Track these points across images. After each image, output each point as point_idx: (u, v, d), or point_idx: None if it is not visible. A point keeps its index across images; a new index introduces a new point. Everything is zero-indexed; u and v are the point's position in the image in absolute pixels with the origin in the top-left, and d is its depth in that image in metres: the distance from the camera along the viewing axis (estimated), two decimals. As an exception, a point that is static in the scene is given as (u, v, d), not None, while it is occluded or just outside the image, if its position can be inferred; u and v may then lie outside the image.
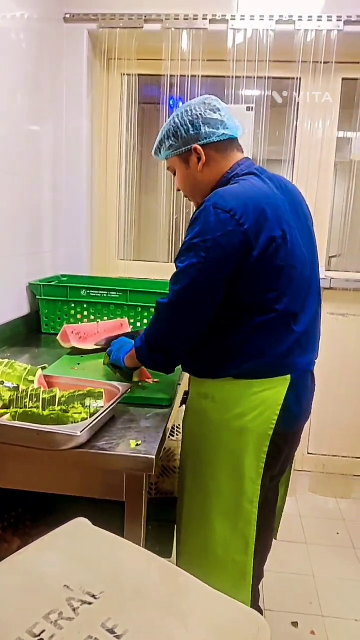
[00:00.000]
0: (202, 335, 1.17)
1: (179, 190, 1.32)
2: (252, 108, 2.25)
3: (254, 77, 2.19)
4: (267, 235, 1.07)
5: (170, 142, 1.23)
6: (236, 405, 1.16)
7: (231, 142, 1.22)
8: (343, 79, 2.31)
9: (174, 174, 1.30)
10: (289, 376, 1.16)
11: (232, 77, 2.20)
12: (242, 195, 1.09)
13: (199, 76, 2.22)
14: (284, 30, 2.14)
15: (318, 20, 2.12)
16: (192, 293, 1.10)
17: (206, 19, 2.14)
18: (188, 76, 2.22)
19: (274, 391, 1.15)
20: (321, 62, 2.17)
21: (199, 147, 1.19)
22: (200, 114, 1.19)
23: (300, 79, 2.28)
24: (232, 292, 1.11)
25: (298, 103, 2.31)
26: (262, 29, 2.14)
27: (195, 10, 2.14)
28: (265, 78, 2.20)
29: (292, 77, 2.29)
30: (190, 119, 1.19)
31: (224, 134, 1.19)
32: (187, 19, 2.15)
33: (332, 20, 2.11)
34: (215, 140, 1.19)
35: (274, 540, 1.50)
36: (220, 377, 1.18)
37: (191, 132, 1.19)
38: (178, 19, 2.15)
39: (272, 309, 1.11)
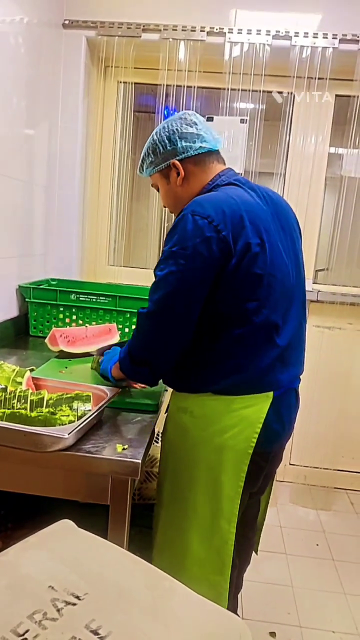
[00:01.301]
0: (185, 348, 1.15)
1: (164, 206, 1.32)
2: (246, 120, 2.28)
3: (249, 90, 2.22)
4: (245, 241, 1.05)
5: (150, 159, 1.24)
6: (216, 421, 1.13)
7: (210, 155, 1.21)
8: (336, 96, 2.36)
9: (158, 190, 1.31)
10: (270, 393, 1.13)
11: (227, 89, 2.23)
12: (220, 202, 1.08)
13: (194, 87, 2.25)
14: (280, 45, 2.18)
15: (314, 37, 2.16)
16: (172, 301, 1.07)
17: (204, 30, 2.18)
18: (184, 86, 2.25)
19: (255, 409, 1.12)
20: (315, 78, 2.21)
21: (176, 162, 1.20)
22: (176, 129, 1.19)
23: (294, 94, 2.32)
24: (211, 302, 1.08)
25: (291, 117, 2.35)
26: (258, 43, 2.17)
27: (193, 22, 2.17)
28: (259, 91, 2.24)
29: (286, 92, 2.33)
30: (167, 134, 1.20)
31: (200, 147, 1.19)
32: (184, 30, 2.18)
33: (327, 38, 2.16)
34: (193, 154, 1.19)
35: (254, 553, 1.51)
36: (199, 392, 1.15)
37: (168, 148, 1.20)
38: (176, 30, 2.18)
39: (251, 320, 1.08)
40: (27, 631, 0.53)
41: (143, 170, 1.30)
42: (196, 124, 1.20)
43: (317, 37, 2.16)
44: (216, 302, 1.09)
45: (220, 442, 1.12)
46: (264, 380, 1.13)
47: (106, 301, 1.93)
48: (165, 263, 1.07)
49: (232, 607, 1.26)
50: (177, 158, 1.19)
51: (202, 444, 1.14)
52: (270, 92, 2.35)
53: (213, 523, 1.16)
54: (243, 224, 1.06)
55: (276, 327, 1.12)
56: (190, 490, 1.17)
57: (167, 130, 1.21)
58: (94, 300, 1.94)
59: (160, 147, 1.21)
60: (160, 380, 1.38)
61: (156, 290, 1.09)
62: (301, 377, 1.28)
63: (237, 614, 1.43)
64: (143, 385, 1.36)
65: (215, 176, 1.20)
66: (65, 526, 0.77)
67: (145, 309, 1.12)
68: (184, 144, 1.18)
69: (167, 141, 1.20)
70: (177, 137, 1.19)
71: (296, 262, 1.22)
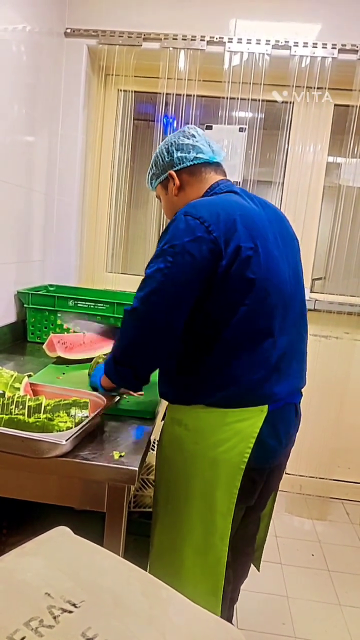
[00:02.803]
0: (173, 356, 1.14)
1: (168, 217, 1.34)
2: (245, 129, 2.30)
3: (248, 99, 2.24)
4: (236, 244, 1.03)
5: (153, 171, 1.30)
6: (209, 435, 1.11)
7: (206, 166, 1.23)
8: (335, 105, 2.38)
9: (161, 202, 1.35)
10: (265, 407, 1.10)
11: (227, 98, 2.25)
12: (214, 205, 1.09)
13: (194, 95, 2.28)
14: (279, 54, 2.20)
15: (313, 47, 2.19)
16: (157, 298, 1.03)
17: (204, 40, 2.20)
18: (183, 95, 2.27)
19: (249, 422, 1.09)
20: (314, 88, 2.24)
21: (172, 172, 1.24)
22: (174, 142, 1.24)
23: (293, 103, 2.34)
24: (202, 309, 1.07)
25: (290, 126, 2.37)
26: (257, 52, 2.20)
27: (193, 31, 2.20)
28: (258, 101, 2.26)
29: (285, 101, 2.35)
30: (166, 147, 1.25)
31: (195, 157, 1.22)
32: (185, 39, 2.20)
33: (326, 47, 2.18)
34: (188, 165, 1.22)
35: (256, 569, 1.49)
36: (192, 404, 1.13)
37: (166, 159, 1.24)
38: (176, 39, 2.20)
39: (243, 326, 1.06)
40: (23, 638, 0.52)
41: (150, 184, 1.34)
42: (194, 136, 1.24)
43: (316, 47, 2.18)
44: (207, 308, 1.07)
45: (213, 456, 1.10)
46: (258, 392, 1.10)
47: (104, 308, 1.93)
48: (155, 261, 1.06)
49: (227, 617, 1.25)
50: (174, 169, 1.24)
51: (196, 458, 1.12)
52: (270, 101, 2.37)
53: (207, 540, 1.13)
54: (236, 227, 1.05)
55: (270, 334, 1.09)
56: (185, 504, 1.15)
57: (167, 143, 1.26)
58: (92, 306, 1.94)
59: (160, 159, 1.26)
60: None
61: (143, 288, 1.06)
62: (302, 391, 1.26)
63: (232, 624, 1.41)
64: (141, 393, 1.35)
65: (214, 184, 1.22)
66: (61, 533, 0.76)
67: (130, 307, 1.09)
68: (179, 154, 1.22)
69: (165, 153, 1.25)
70: (174, 149, 1.23)
71: (295, 272, 1.21)
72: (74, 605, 0.59)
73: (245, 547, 1.37)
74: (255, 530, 1.40)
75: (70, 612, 0.58)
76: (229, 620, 1.33)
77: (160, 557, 1.23)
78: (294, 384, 1.19)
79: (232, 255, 1.03)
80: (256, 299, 1.06)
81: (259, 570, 1.51)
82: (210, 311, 1.07)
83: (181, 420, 1.15)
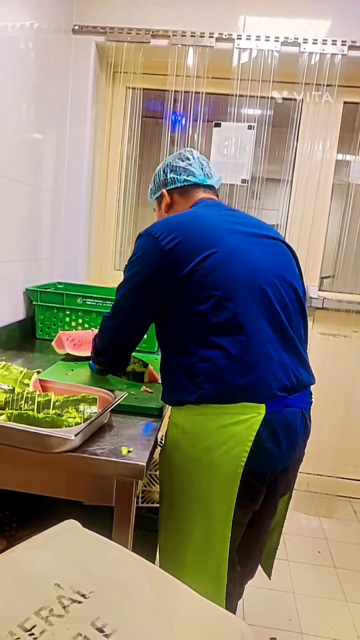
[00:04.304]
0: (165, 358, 1.21)
1: None
2: (254, 127, 2.30)
3: (257, 97, 2.24)
4: (188, 246, 1.10)
5: (151, 186, 1.43)
6: (203, 438, 1.10)
7: (196, 187, 1.33)
8: (344, 103, 2.37)
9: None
10: (262, 407, 1.07)
11: (235, 96, 2.25)
12: (169, 219, 1.19)
13: (202, 93, 2.27)
14: (289, 51, 2.19)
15: (323, 44, 2.17)
16: (122, 305, 1.22)
17: (212, 36, 2.19)
18: (192, 92, 2.27)
19: (245, 426, 1.07)
20: (324, 85, 2.23)
21: (164, 191, 1.35)
22: (169, 163, 1.36)
23: (302, 100, 2.33)
24: (172, 310, 1.14)
25: (299, 124, 2.36)
26: (267, 49, 2.19)
27: (202, 28, 2.19)
28: (267, 98, 2.26)
29: (294, 98, 2.34)
30: (163, 167, 1.37)
31: (185, 179, 1.32)
32: (193, 36, 2.20)
33: (336, 44, 2.16)
34: (179, 185, 1.33)
35: (269, 578, 1.49)
36: (182, 405, 1.14)
37: (161, 178, 1.37)
38: (185, 36, 2.20)
39: (209, 321, 1.08)
40: (34, 626, 0.54)
41: (150, 197, 1.47)
42: (188, 159, 1.34)
43: (326, 44, 2.17)
44: (176, 309, 1.13)
45: (210, 459, 1.09)
46: (238, 386, 1.08)
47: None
48: (124, 275, 1.22)
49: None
50: (166, 188, 1.35)
51: (193, 461, 1.12)
52: (279, 98, 2.36)
53: (207, 543, 1.13)
54: (186, 232, 1.13)
55: (240, 328, 1.08)
56: (185, 507, 1.15)
57: (164, 163, 1.38)
58: (100, 304, 1.95)
59: (157, 178, 1.39)
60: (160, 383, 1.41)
61: (115, 297, 1.25)
62: (311, 397, 1.23)
63: None
64: (151, 390, 1.38)
65: (193, 203, 1.32)
66: (70, 526, 0.77)
67: (107, 313, 1.30)
68: (172, 175, 1.34)
69: (162, 172, 1.37)
70: (168, 170, 1.35)
71: (281, 266, 1.20)
72: (83, 595, 0.60)
73: (252, 551, 1.36)
74: (264, 537, 1.37)
75: (80, 602, 0.59)
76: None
77: (165, 558, 1.24)
78: (282, 378, 1.12)
79: (185, 256, 1.10)
80: (220, 293, 1.09)
81: (270, 578, 1.50)
82: (183, 312, 1.12)
83: (178, 424, 1.16)
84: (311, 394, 1.24)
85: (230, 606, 1.22)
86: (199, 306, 1.09)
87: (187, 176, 1.32)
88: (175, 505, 1.18)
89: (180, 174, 1.33)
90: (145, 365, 1.50)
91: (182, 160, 1.34)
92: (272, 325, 1.13)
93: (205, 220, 1.18)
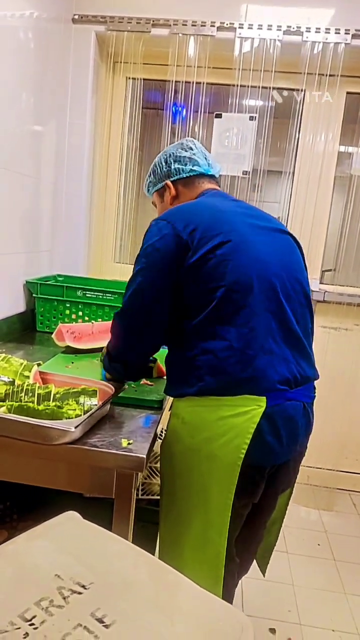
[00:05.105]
0: (169, 351, 1.19)
1: None
2: (255, 117, 2.28)
3: (259, 87, 2.22)
4: (202, 234, 1.08)
5: (150, 179, 1.38)
6: (203, 429, 1.09)
7: (201, 177, 1.31)
8: (347, 93, 2.34)
9: (156, 208, 1.42)
10: (263, 400, 1.06)
11: (237, 86, 2.22)
12: (181, 207, 1.18)
13: (203, 83, 2.25)
14: (291, 41, 2.17)
15: (326, 32, 2.14)
16: (137, 299, 1.13)
17: (214, 26, 2.17)
18: (192, 83, 2.25)
19: (245, 418, 1.06)
20: (326, 75, 2.20)
21: (169, 183, 1.32)
22: (172, 153, 1.32)
23: (304, 90, 2.31)
24: (182, 301, 1.11)
25: (301, 115, 2.34)
26: (269, 38, 2.16)
27: (203, 17, 2.17)
28: (269, 88, 2.23)
29: (297, 89, 2.32)
30: (165, 157, 1.33)
31: (191, 169, 1.30)
32: (194, 25, 2.17)
33: (339, 33, 2.13)
34: (184, 176, 1.30)
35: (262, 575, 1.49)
36: (183, 396, 1.13)
37: (164, 169, 1.33)
38: (186, 25, 2.17)
39: (212, 314, 1.07)
40: (34, 617, 0.54)
41: (147, 190, 1.42)
42: (191, 149, 1.31)
43: (329, 33, 2.14)
44: (186, 299, 1.11)
45: (209, 450, 1.08)
46: (238, 378, 1.07)
47: (112, 298, 1.94)
48: (135, 265, 1.16)
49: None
50: (170, 179, 1.32)
51: (192, 452, 1.11)
52: (281, 88, 2.34)
53: (205, 533, 1.13)
54: (200, 219, 1.11)
55: (243, 320, 1.07)
56: (183, 498, 1.15)
57: (165, 154, 1.33)
58: (100, 297, 1.95)
59: (158, 169, 1.34)
60: (165, 377, 1.41)
61: (126, 291, 1.17)
62: (314, 392, 1.22)
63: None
64: (151, 383, 1.37)
65: (200, 193, 1.30)
66: (70, 517, 0.77)
67: (118, 311, 1.19)
68: (177, 166, 1.30)
69: (163, 163, 1.33)
70: (172, 160, 1.31)
71: (287, 258, 1.20)
72: (83, 586, 0.60)
73: (250, 545, 1.36)
74: (262, 531, 1.37)
75: (80, 593, 0.59)
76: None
77: (164, 548, 1.24)
78: (283, 372, 1.10)
79: (198, 244, 1.08)
80: (229, 284, 1.07)
81: (264, 575, 1.50)
82: (188, 302, 1.11)
83: (179, 414, 1.15)
84: (314, 388, 1.23)
85: (229, 597, 1.22)
86: (207, 296, 1.08)
87: (192, 166, 1.30)
88: (176, 496, 1.18)
89: (186, 164, 1.30)
90: (154, 360, 1.49)
91: (185, 150, 1.31)
92: (276, 318, 1.12)
93: (217, 209, 1.16)
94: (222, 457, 1.08)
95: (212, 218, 1.13)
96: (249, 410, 1.06)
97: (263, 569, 1.50)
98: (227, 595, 1.22)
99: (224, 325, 1.08)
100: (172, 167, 1.31)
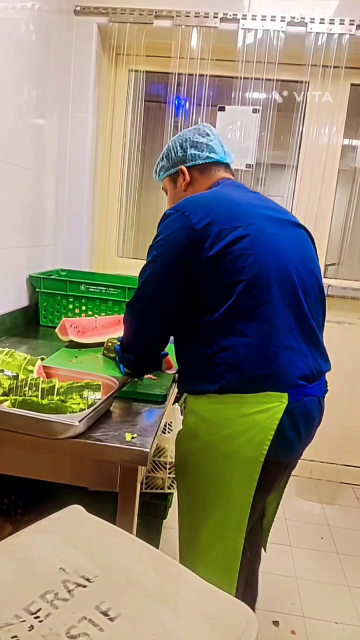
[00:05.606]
0: (184, 349, 1.17)
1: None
2: (259, 110, 2.26)
3: (262, 79, 2.20)
4: (219, 227, 1.06)
5: (163, 163, 1.33)
6: (223, 427, 1.09)
7: (217, 165, 1.28)
8: (352, 85, 2.32)
9: (166, 194, 1.38)
10: (285, 396, 1.06)
11: (240, 78, 2.21)
12: (198, 198, 1.15)
13: (206, 75, 2.24)
14: (295, 32, 2.14)
15: (330, 23, 2.11)
16: (148, 290, 1.13)
17: (217, 17, 2.14)
18: (195, 75, 2.23)
19: (268, 414, 1.06)
20: (330, 67, 2.18)
21: (184, 168, 1.28)
22: (189, 138, 1.28)
23: (308, 82, 2.28)
24: (197, 296, 1.09)
25: (305, 108, 2.32)
26: (272, 29, 2.14)
27: (206, 8, 2.14)
28: (273, 80, 2.21)
29: (300, 81, 2.29)
30: (180, 142, 1.29)
31: (208, 157, 1.27)
32: (197, 17, 2.15)
33: (344, 24, 2.10)
34: (200, 163, 1.27)
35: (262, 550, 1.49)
36: (203, 394, 1.12)
37: (179, 154, 1.28)
38: (189, 16, 2.15)
39: (235, 309, 1.06)
40: (39, 610, 0.54)
41: (157, 175, 1.38)
42: (208, 135, 1.28)
43: (333, 23, 2.11)
44: (202, 294, 1.09)
45: (230, 447, 1.08)
46: (260, 375, 1.06)
47: (115, 292, 1.94)
48: (148, 256, 1.15)
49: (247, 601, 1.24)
50: (185, 165, 1.28)
51: (210, 449, 1.11)
52: (285, 80, 2.32)
53: (222, 529, 1.13)
54: (216, 211, 1.08)
55: (265, 316, 1.06)
56: (199, 494, 1.15)
57: (181, 138, 1.29)
58: (104, 291, 1.94)
59: (172, 153, 1.30)
60: (169, 372, 1.41)
61: (138, 282, 1.16)
62: (326, 385, 1.23)
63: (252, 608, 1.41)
64: (155, 378, 1.37)
65: (215, 182, 1.27)
66: (75, 511, 0.78)
67: (130, 301, 1.19)
68: (193, 152, 1.27)
69: (179, 148, 1.28)
70: (188, 145, 1.27)
71: (303, 252, 1.19)
72: (87, 580, 0.60)
73: (258, 536, 1.38)
74: (261, 515, 1.39)
75: (85, 586, 0.59)
76: (252, 601, 1.33)
77: (182, 542, 1.24)
78: (302, 367, 1.11)
79: (215, 237, 1.06)
80: (248, 279, 1.05)
81: (265, 551, 1.52)
82: (204, 297, 1.09)
83: (197, 412, 1.15)
84: (326, 382, 1.24)
85: (240, 590, 1.22)
86: (226, 290, 1.06)
87: (209, 153, 1.26)
88: (193, 492, 1.18)
89: (203, 151, 1.26)
90: (165, 354, 1.48)
91: (202, 136, 1.27)
92: (294, 314, 1.12)
93: (233, 201, 1.13)
94: (243, 454, 1.08)
95: (230, 210, 1.10)
96: (272, 407, 1.06)
97: (264, 545, 1.50)
98: (249, 588, 1.23)
99: (243, 321, 1.06)
100: (188, 152, 1.27)
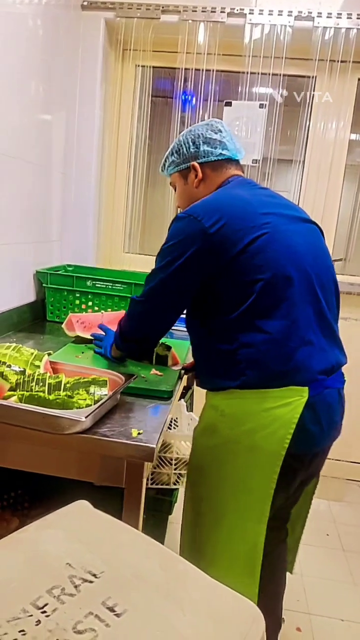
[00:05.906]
0: (203, 346, 1.19)
1: (178, 206, 1.36)
2: (265, 105, 2.25)
3: (269, 74, 2.18)
4: (234, 228, 1.07)
5: (173, 158, 1.32)
6: (246, 421, 1.10)
7: (228, 162, 1.28)
8: (359, 79, 2.29)
9: (175, 190, 1.37)
10: (305, 390, 1.08)
11: (247, 73, 2.19)
12: (210, 200, 1.15)
13: (213, 70, 2.22)
14: (302, 26, 2.13)
15: (337, 18, 2.09)
16: (157, 295, 1.17)
17: (224, 12, 2.13)
18: (202, 70, 2.22)
19: (289, 408, 1.07)
20: (338, 61, 2.16)
21: (196, 165, 1.27)
22: (201, 134, 1.27)
23: (315, 77, 2.27)
24: (216, 295, 1.10)
25: (312, 103, 2.31)
26: (279, 24, 2.12)
27: (213, 3, 2.13)
28: (280, 75, 2.20)
29: (307, 76, 2.28)
30: (192, 137, 1.27)
31: (221, 153, 1.26)
32: (204, 11, 2.14)
33: (351, 18, 2.08)
34: (213, 159, 1.26)
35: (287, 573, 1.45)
36: (224, 389, 1.14)
37: (191, 150, 1.27)
38: (196, 11, 2.14)
39: (255, 306, 1.07)
40: (46, 604, 0.54)
41: (165, 169, 1.37)
42: (221, 132, 1.28)
43: (340, 18, 2.09)
44: (221, 294, 1.10)
45: (251, 442, 1.09)
46: (283, 370, 1.08)
47: (122, 288, 1.94)
48: (157, 260, 1.16)
49: (270, 606, 1.21)
50: (198, 161, 1.27)
51: (230, 443, 1.12)
52: (292, 75, 2.30)
53: (242, 524, 1.13)
54: (231, 213, 1.09)
55: (284, 312, 1.07)
56: (217, 489, 1.15)
57: (193, 133, 1.28)
58: (110, 287, 1.94)
59: (184, 149, 1.28)
60: (175, 368, 1.42)
61: (147, 283, 1.18)
62: (343, 377, 1.24)
63: (280, 616, 1.39)
64: (161, 374, 1.38)
65: (225, 181, 1.26)
66: (81, 506, 0.78)
67: (137, 297, 1.23)
68: (206, 148, 1.26)
69: (191, 143, 1.27)
70: (201, 141, 1.26)
71: (316, 248, 1.20)
72: (94, 575, 0.61)
73: (280, 550, 1.36)
74: (286, 533, 1.37)
75: (91, 582, 0.60)
76: (274, 610, 1.32)
77: (193, 540, 1.24)
78: (322, 362, 1.13)
79: (230, 240, 1.07)
80: (267, 276, 1.06)
81: (291, 573, 1.49)
82: (222, 296, 1.10)
83: (217, 407, 1.15)
84: (343, 373, 1.25)
85: (276, 586, 1.22)
86: (245, 290, 1.07)
87: (222, 150, 1.26)
88: (208, 487, 1.18)
89: (216, 147, 1.26)
90: (168, 348, 1.49)
91: (215, 133, 1.27)
92: (313, 308, 1.13)
93: (246, 201, 1.14)
94: (265, 448, 1.08)
95: (243, 211, 1.11)
96: (293, 401, 1.08)
97: (290, 567, 1.49)
98: (279, 575, 1.24)
99: (263, 318, 1.07)
100: (201, 148, 1.26)
